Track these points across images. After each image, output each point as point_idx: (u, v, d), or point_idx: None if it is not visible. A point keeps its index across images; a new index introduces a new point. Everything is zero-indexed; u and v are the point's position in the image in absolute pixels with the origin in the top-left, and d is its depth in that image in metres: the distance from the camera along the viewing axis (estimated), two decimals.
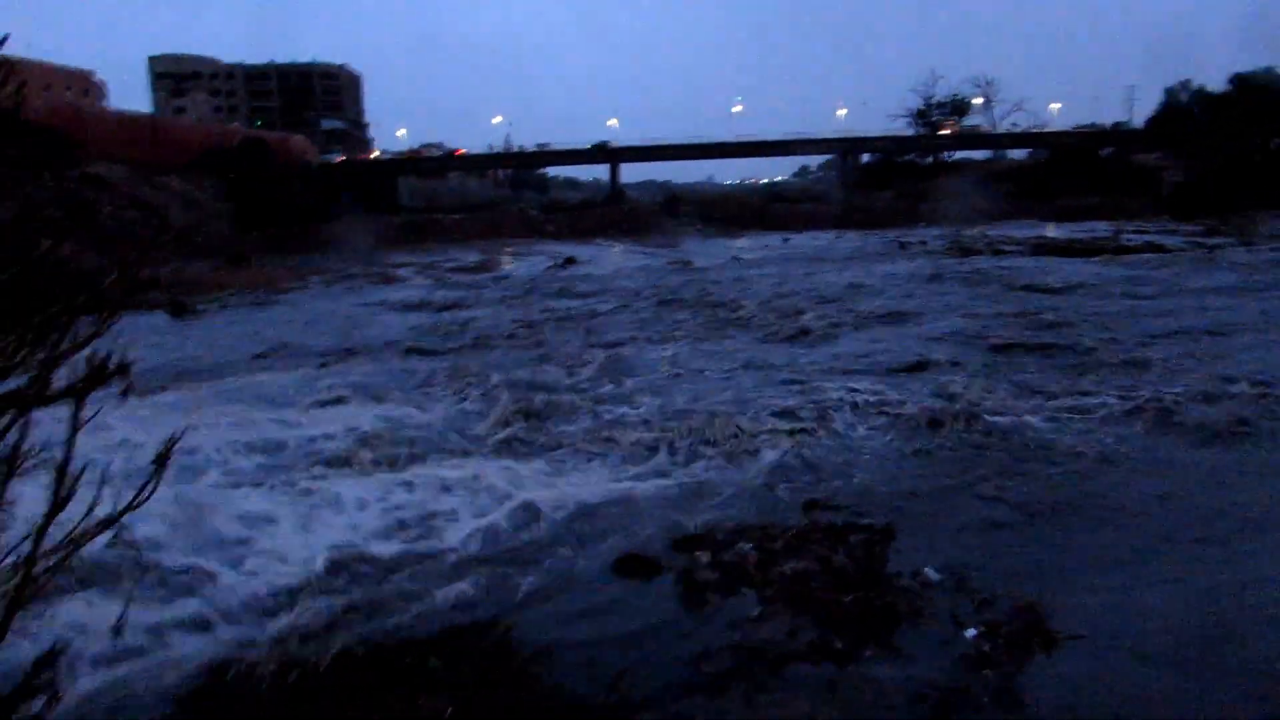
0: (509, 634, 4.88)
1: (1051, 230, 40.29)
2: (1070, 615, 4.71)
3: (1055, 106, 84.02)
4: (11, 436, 2.14)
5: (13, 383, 2.13)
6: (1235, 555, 5.45)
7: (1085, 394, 9.62)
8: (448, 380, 11.97)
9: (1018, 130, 76.01)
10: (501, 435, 9.25)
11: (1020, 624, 4.64)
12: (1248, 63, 65.31)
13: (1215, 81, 61.70)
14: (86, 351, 2.24)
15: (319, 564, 5.89)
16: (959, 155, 76.48)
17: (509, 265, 34.51)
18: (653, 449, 8.38)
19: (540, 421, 9.62)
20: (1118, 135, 70.13)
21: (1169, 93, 63.14)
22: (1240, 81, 58.92)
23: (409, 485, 7.69)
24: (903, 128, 77.88)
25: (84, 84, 63.07)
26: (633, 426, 9.08)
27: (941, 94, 78.30)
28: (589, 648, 4.68)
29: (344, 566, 5.86)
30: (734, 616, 4.90)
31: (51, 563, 2.19)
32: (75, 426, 2.18)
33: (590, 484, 7.58)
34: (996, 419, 8.80)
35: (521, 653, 4.66)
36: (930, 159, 75.23)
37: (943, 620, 4.78)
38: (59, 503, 2.10)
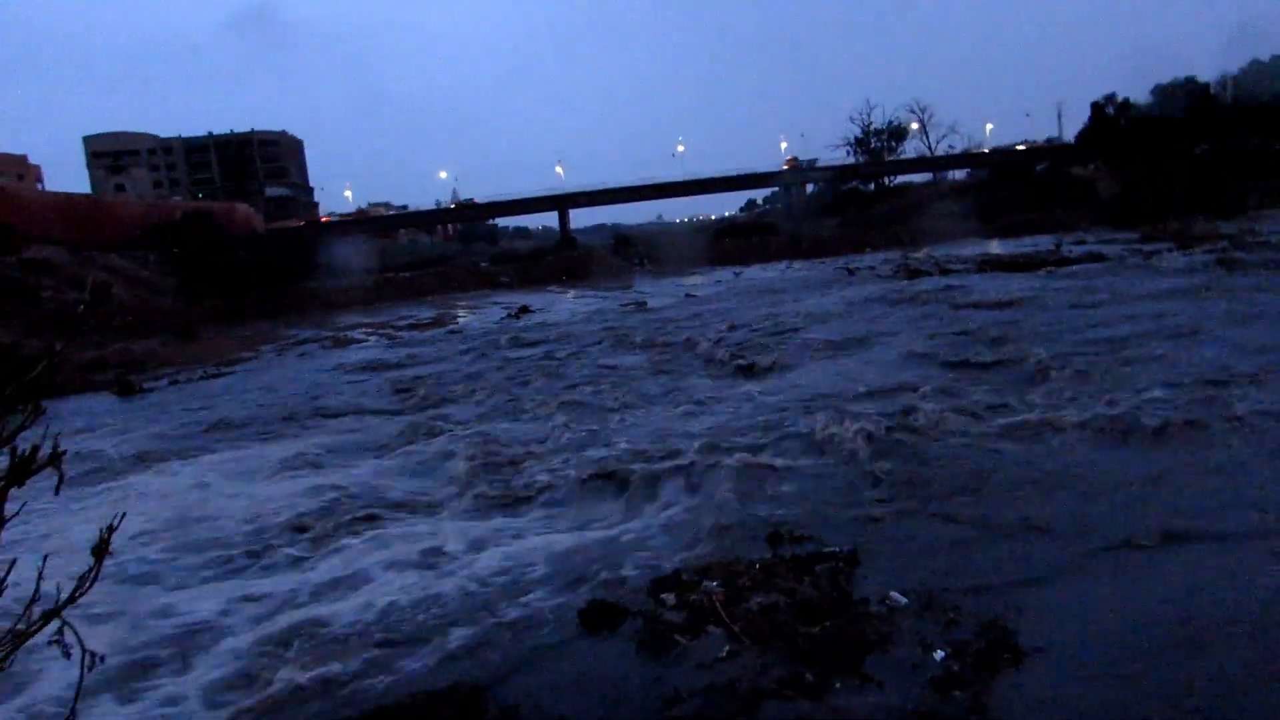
0: (477, 694, 4.79)
1: (996, 247, 41.16)
2: (1035, 629, 4.74)
3: (990, 127, 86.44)
4: None
5: None
6: (1193, 561, 5.51)
7: (1038, 406, 9.77)
8: (406, 439, 11.85)
9: (955, 152, 77.98)
10: (463, 490, 9.17)
11: (987, 642, 4.65)
12: (1168, 73, 67.72)
13: (1139, 93, 63.97)
14: (17, 443, 2.19)
15: (279, 633, 5.80)
16: (901, 179, 78.15)
17: (463, 319, 34.37)
18: (613, 492, 8.37)
19: (500, 473, 9.55)
20: (1051, 151, 72.26)
21: (1096, 107, 65.24)
22: (1161, 93, 61.23)
23: (370, 545, 7.58)
24: (844, 157, 79.62)
25: (19, 168, 62.30)
26: (592, 471, 9.03)
27: (878, 121, 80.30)
28: (558, 701, 4.61)
29: (306, 634, 5.74)
30: (703, 657, 4.86)
31: None
32: (0, 522, 2.12)
33: (552, 532, 7.52)
34: (953, 437, 8.90)
35: (490, 712, 4.58)
36: (873, 185, 76.81)
37: (911, 644, 4.77)
38: None
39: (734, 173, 76.59)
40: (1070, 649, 4.53)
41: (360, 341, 28.73)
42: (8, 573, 2.11)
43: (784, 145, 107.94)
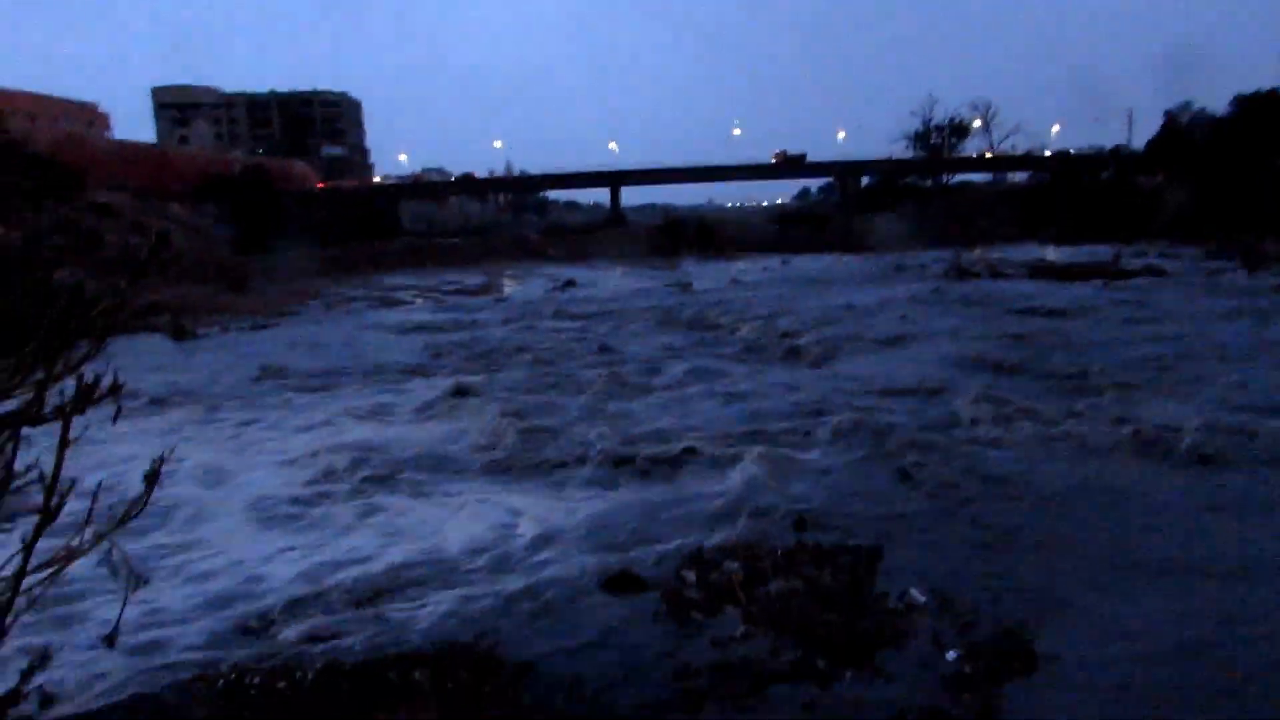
0: (495, 649, 4.93)
1: (1051, 253, 40.38)
2: (1051, 638, 4.75)
3: (1055, 129, 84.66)
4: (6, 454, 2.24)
5: (12, 404, 2.23)
6: (1215, 584, 5.45)
7: (1077, 417, 9.67)
8: (446, 401, 12.05)
9: (1017, 153, 76.38)
10: (497, 454, 9.33)
11: (1002, 646, 4.68)
12: (1254, 83, 65.06)
13: (1219, 103, 61.69)
14: (83, 372, 2.34)
15: (309, 576, 6.00)
16: (959, 178, 76.80)
17: (510, 288, 34.65)
18: (641, 471, 8.45)
19: (535, 440, 9.69)
20: (1118, 158, 70.36)
21: (1170, 115, 63.28)
22: (1243, 103, 59.02)
23: (403, 505, 7.77)
24: (902, 150, 78.49)
25: (89, 115, 63.58)
26: (625, 446, 9.12)
27: (940, 117, 78.94)
28: (573, 664, 4.73)
29: (338, 579, 5.93)
30: (717, 635, 4.95)
31: (46, 575, 2.28)
32: (63, 444, 2.27)
33: (582, 502, 7.64)
34: (991, 442, 8.86)
35: (506, 668, 4.71)
36: (930, 181, 75.58)
37: (925, 642, 4.82)
38: (47, 515, 2.19)
39: (777, 160, 76.14)
40: (1086, 662, 4.53)
41: (408, 303, 29.12)
42: (68, 492, 2.26)
43: (841, 135, 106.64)
